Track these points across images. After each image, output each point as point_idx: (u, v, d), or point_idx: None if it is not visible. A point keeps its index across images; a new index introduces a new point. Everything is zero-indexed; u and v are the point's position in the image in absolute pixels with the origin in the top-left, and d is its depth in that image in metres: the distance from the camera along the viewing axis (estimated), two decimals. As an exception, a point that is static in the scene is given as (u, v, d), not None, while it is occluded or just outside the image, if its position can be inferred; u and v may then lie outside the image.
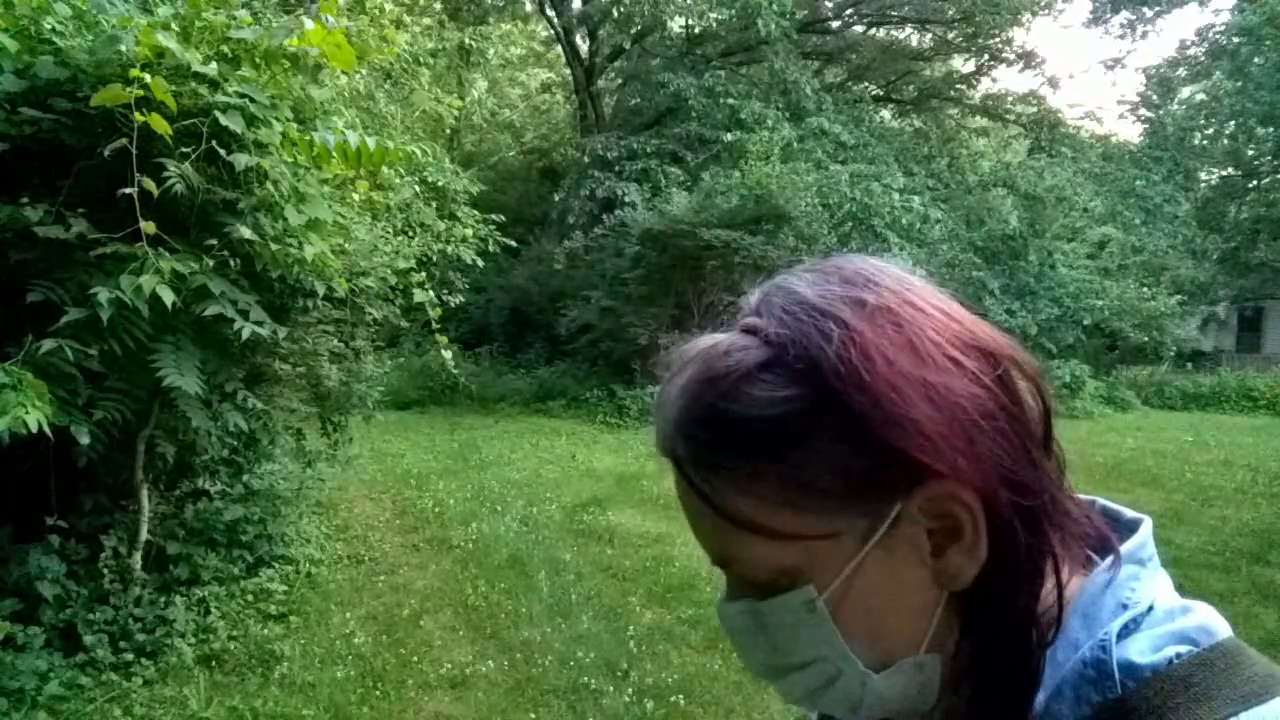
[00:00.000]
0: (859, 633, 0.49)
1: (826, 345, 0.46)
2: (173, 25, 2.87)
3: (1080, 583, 0.50)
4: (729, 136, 13.65)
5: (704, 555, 0.54)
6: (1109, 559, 0.50)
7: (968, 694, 0.51)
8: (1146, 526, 0.52)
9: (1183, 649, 0.45)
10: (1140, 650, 0.45)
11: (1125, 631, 0.46)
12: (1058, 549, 0.49)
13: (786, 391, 0.46)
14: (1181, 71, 22.11)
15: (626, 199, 13.25)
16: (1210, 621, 0.47)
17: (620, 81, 18.78)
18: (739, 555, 0.50)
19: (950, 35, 18.47)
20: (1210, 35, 21.14)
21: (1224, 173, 21.88)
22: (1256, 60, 18.78)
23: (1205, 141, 21.67)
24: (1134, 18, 20.55)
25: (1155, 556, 0.51)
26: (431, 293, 4.76)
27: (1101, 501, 0.56)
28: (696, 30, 15.41)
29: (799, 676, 0.52)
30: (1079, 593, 0.49)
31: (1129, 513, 0.54)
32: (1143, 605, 0.48)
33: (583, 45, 18.09)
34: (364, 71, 5.43)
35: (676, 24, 15.20)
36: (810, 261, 0.53)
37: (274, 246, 3.14)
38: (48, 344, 2.63)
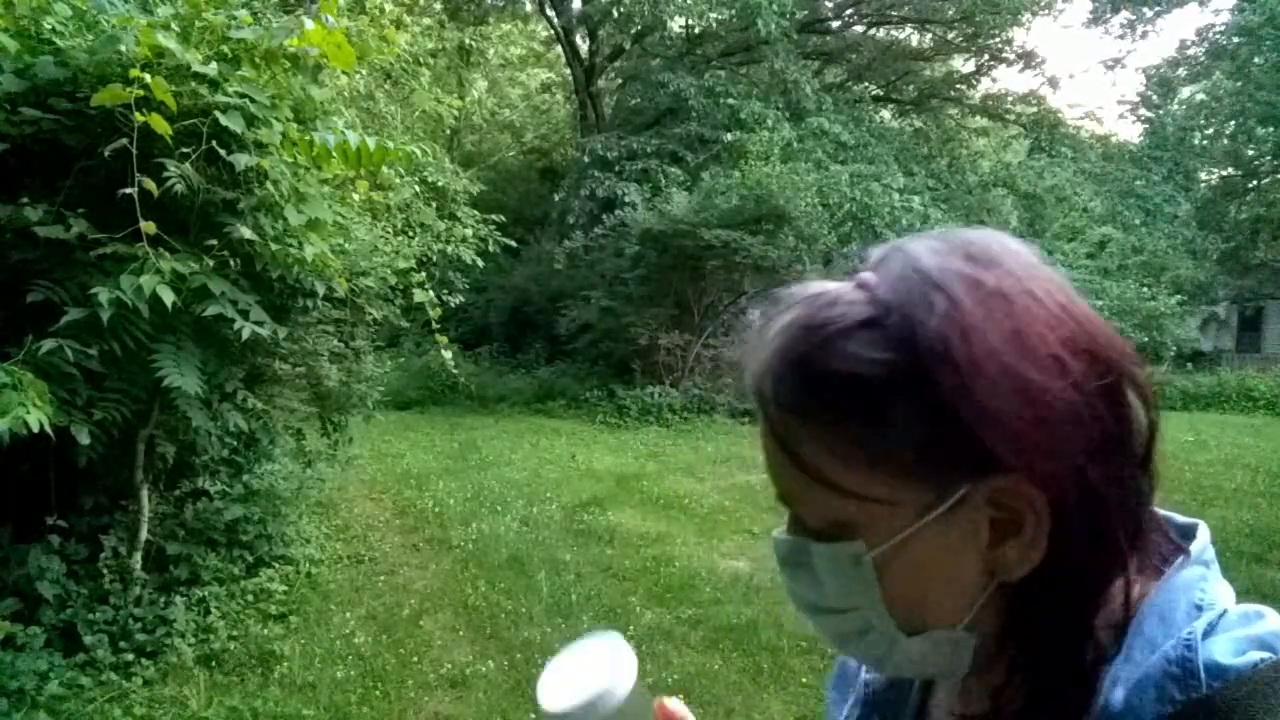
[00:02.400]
0: (899, 597, 0.50)
1: (928, 318, 0.45)
2: (173, 25, 2.87)
3: (1152, 584, 0.50)
4: (729, 136, 13.65)
5: (773, 504, 0.55)
6: (1179, 560, 0.50)
7: (1021, 693, 0.50)
8: (1204, 530, 0.53)
9: (1264, 654, 0.45)
10: (1224, 652, 0.45)
11: (1206, 632, 0.47)
12: (1130, 565, 0.49)
13: (879, 355, 0.46)
14: (1181, 71, 22.10)
15: (626, 199, 13.26)
16: None
17: (620, 81, 18.78)
18: (801, 498, 0.51)
19: (950, 35, 18.48)
20: (1210, 35, 21.13)
21: (1224, 173, 21.86)
22: (1256, 60, 18.78)
23: (1205, 141, 21.65)
24: (1134, 18, 20.55)
25: (1215, 559, 0.52)
26: (431, 293, 4.76)
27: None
28: (696, 30, 15.40)
29: (833, 620, 0.53)
30: (1154, 593, 0.49)
31: (1180, 518, 0.54)
32: (1217, 608, 0.48)
33: (583, 45, 18.10)
34: (364, 71, 5.43)
35: (676, 24, 15.20)
36: (944, 229, 0.53)
37: (274, 246, 3.14)
38: (48, 344, 2.63)
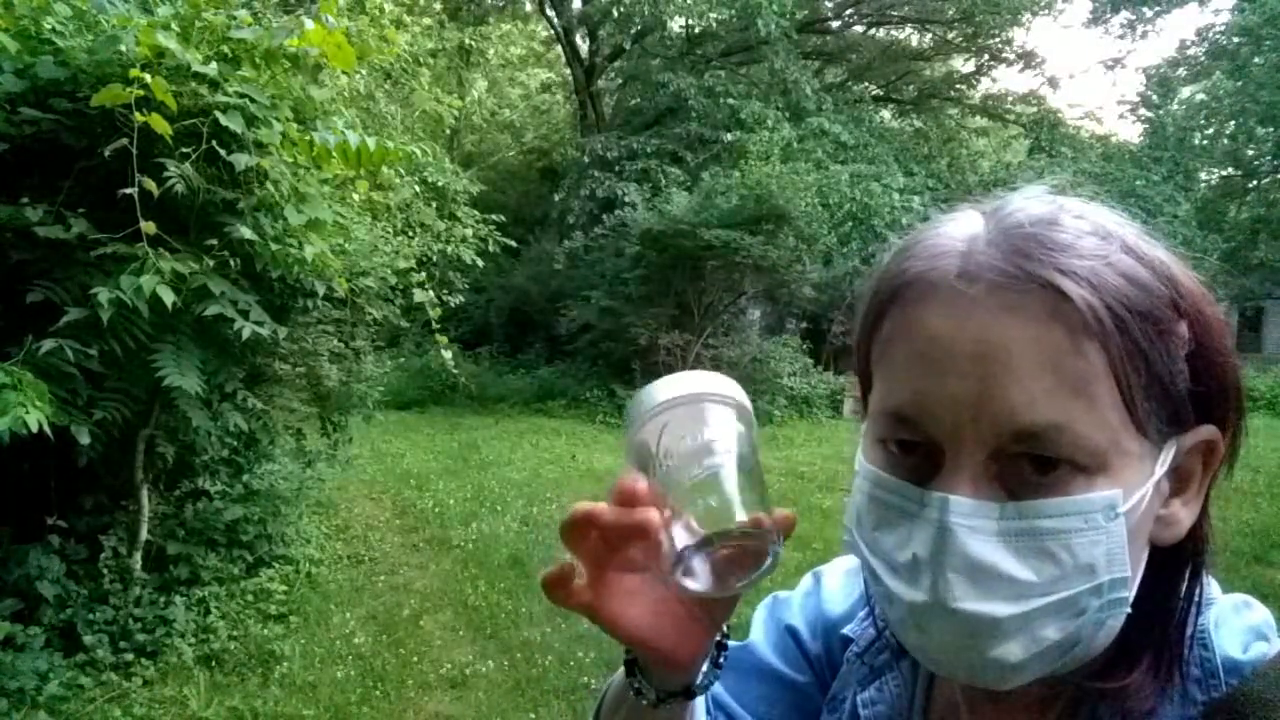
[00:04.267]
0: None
1: (1164, 256, 0.44)
2: (173, 25, 2.87)
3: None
4: (729, 136, 13.66)
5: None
6: None
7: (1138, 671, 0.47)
8: None
9: (1262, 645, 0.46)
10: (1232, 646, 0.46)
11: (1214, 626, 0.48)
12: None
13: (1158, 285, 0.43)
14: (1181, 71, 22.09)
15: (626, 199, 13.26)
16: (1268, 615, 0.48)
17: (620, 81, 18.79)
18: (1069, 424, 0.41)
19: (950, 35, 18.49)
20: (1210, 35, 21.12)
21: (1224, 173, 21.86)
22: (1256, 60, 18.77)
23: (1205, 141, 21.64)
24: (1134, 18, 20.56)
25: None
26: (431, 293, 4.76)
27: None
28: (696, 30, 15.41)
29: (1029, 614, 0.42)
30: None
31: None
32: (1216, 600, 0.49)
33: (583, 45, 18.10)
34: (364, 71, 5.43)
35: (676, 24, 15.21)
36: None
37: (274, 246, 3.14)
38: (48, 344, 2.63)
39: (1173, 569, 0.47)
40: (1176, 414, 0.44)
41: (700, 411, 0.49)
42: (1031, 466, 0.42)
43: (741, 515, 0.45)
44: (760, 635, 0.71)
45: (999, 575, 0.42)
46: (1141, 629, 0.46)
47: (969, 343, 0.42)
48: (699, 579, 0.46)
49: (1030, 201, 0.46)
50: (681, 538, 0.46)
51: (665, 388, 0.49)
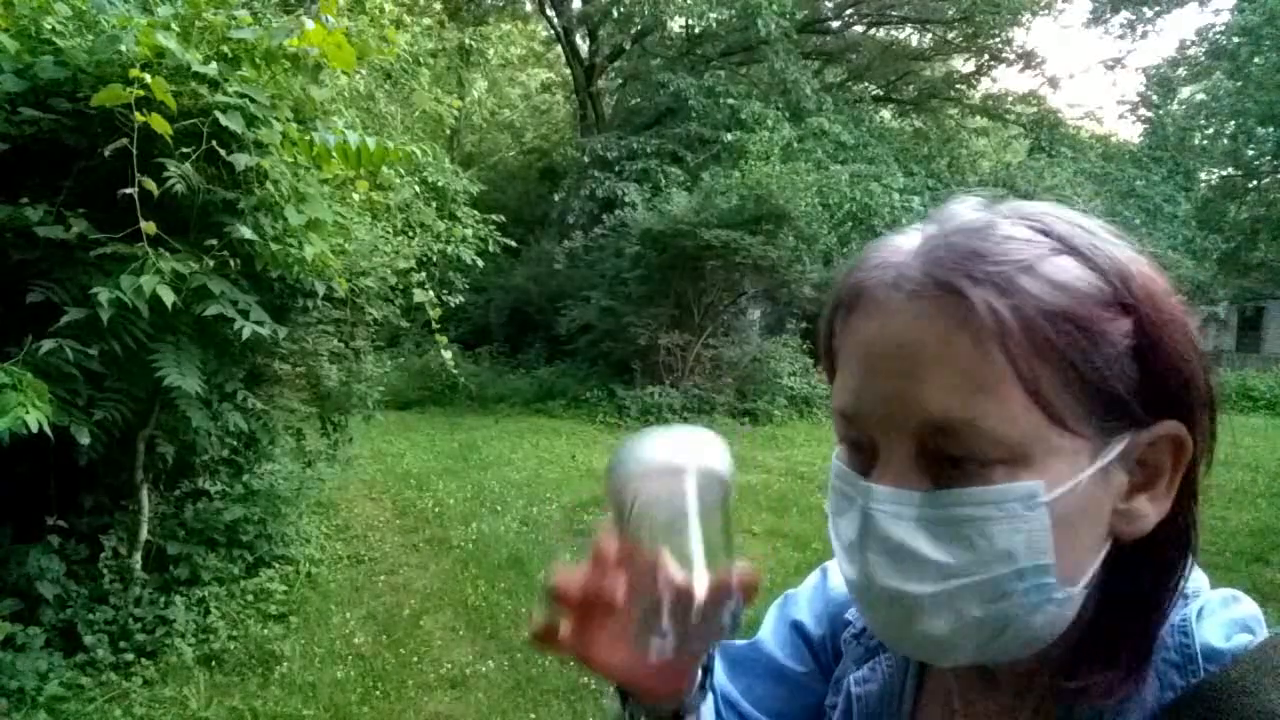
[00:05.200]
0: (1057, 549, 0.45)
1: (1118, 254, 0.46)
2: (173, 25, 2.87)
3: None
4: (729, 136, 13.65)
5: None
6: None
7: (1099, 665, 0.48)
8: None
9: (1247, 636, 0.47)
10: (1214, 635, 0.47)
11: (1198, 617, 0.48)
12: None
13: (1097, 282, 0.45)
14: (1181, 71, 22.10)
15: (626, 199, 13.26)
16: (1257, 610, 0.49)
17: (620, 81, 18.79)
18: (977, 420, 0.43)
19: (950, 35, 18.48)
20: (1210, 35, 21.13)
21: (1224, 173, 21.85)
22: (1256, 60, 18.77)
23: (1205, 141, 21.65)
24: (1134, 18, 20.56)
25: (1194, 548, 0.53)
26: (431, 293, 4.76)
27: None
28: (696, 30, 15.41)
29: (951, 593, 0.45)
30: None
31: None
32: (1201, 594, 0.50)
33: (583, 45, 18.10)
34: (364, 71, 5.43)
35: (676, 24, 15.21)
36: None
37: (274, 246, 3.14)
38: (48, 344, 2.63)
39: (1147, 563, 0.49)
40: (1116, 410, 0.45)
41: (671, 483, 0.51)
42: (950, 459, 0.45)
43: (702, 590, 0.48)
44: (769, 633, 0.75)
45: (916, 557, 0.45)
46: (1116, 621, 0.48)
47: (892, 346, 0.46)
48: (664, 642, 0.50)
49: (964, 210, 0.49)
50: (647, 600, 0.50)
51: (642, 451, 0.52)
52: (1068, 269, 0.45)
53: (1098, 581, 0.48)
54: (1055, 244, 0.45)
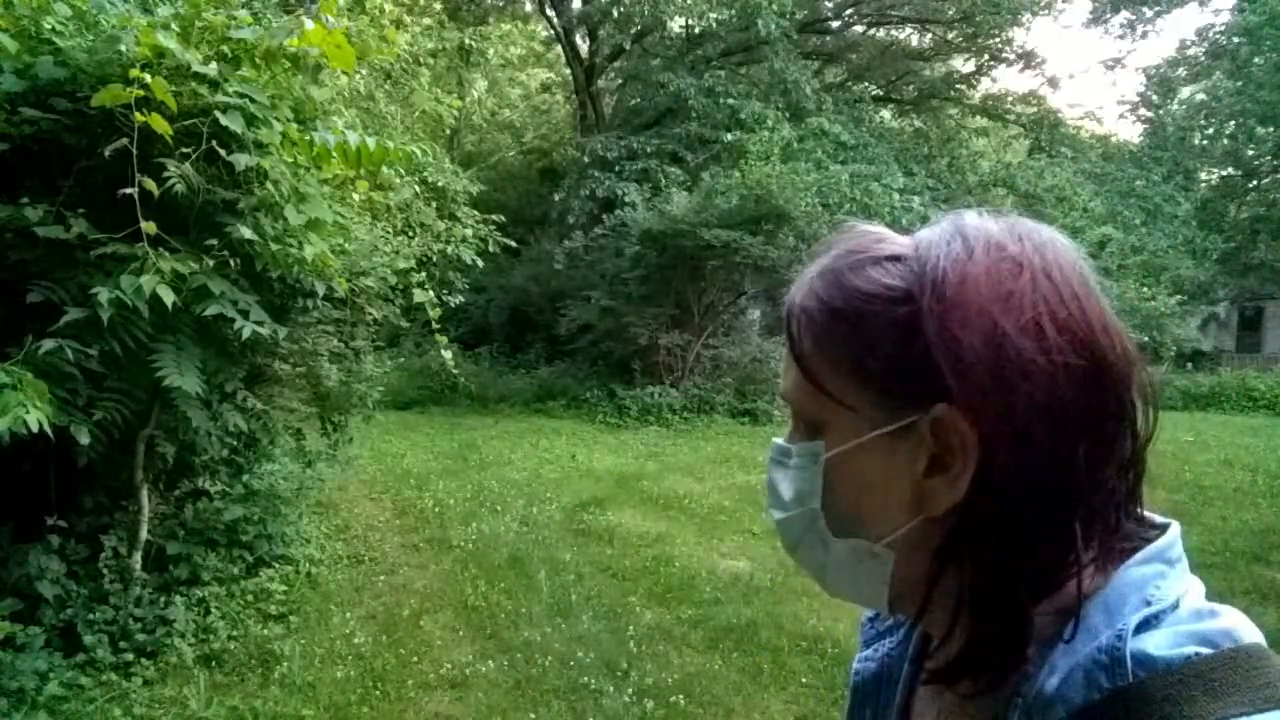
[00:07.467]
0: (839, 501, 0.55)
1: (940, 256, 0.51)
2: (173, 25, 2.87)
3: (1107, 579, 0.50)
4: (729, 136, 13.65)
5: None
6: (1135, 556, 0.51)
7: (958, 645, 0.53)
8: (1174, 529, 0.53)
9: (1204, 649, 0.45)
10: (1158, 644, 0.46)
11: (1145, 625, 0.47)
12: (1085, 555, 0.49)
13: (891, 281, 0.52)
14: (1181, 71, 22.11)
15: (626, 199, 13.25)
16: (1237, 627, 0.47)
17: (620, 81, 18.78)
18: (796, 397, 0.57)
19: (950, 35, 18.48)
20: (1210, 35, 21.15)
21: (1224, 173, 21.87)
22: (1256, 60, 18.79)
23: (1205, 141, 21.66)
24: (1134, 18, 20.56)
25: (1184, 559, 0.52)
26: (431, 293, 4.76)
27: None
28: (696, 30, 15.40)
29: (789, 518, 0.58)
30: (1104, 587, 0.50)
31: (1158, 518, 0.55)
32: (1167, 602, 0.49)
33: (583, 45, 18.10)
34: (364, 71, 5.44)
35: (676, 24, 15.20)
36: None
37: (274, 246, 3.14)
38: (48, 344, 2.63)
39: (956, 548, 0.51)
40: (885, 390, 0.52)
41: None
42: (803, 424, 0.58)
43: None
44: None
45: (775, 492, 0.59)
46: (974, 606, 0.51)
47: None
48: None
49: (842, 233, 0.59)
50: None
51: None
52: (869, 275, 0.53)
53: (932, 561, 0.53)
54: (900, 251, 0.54)
